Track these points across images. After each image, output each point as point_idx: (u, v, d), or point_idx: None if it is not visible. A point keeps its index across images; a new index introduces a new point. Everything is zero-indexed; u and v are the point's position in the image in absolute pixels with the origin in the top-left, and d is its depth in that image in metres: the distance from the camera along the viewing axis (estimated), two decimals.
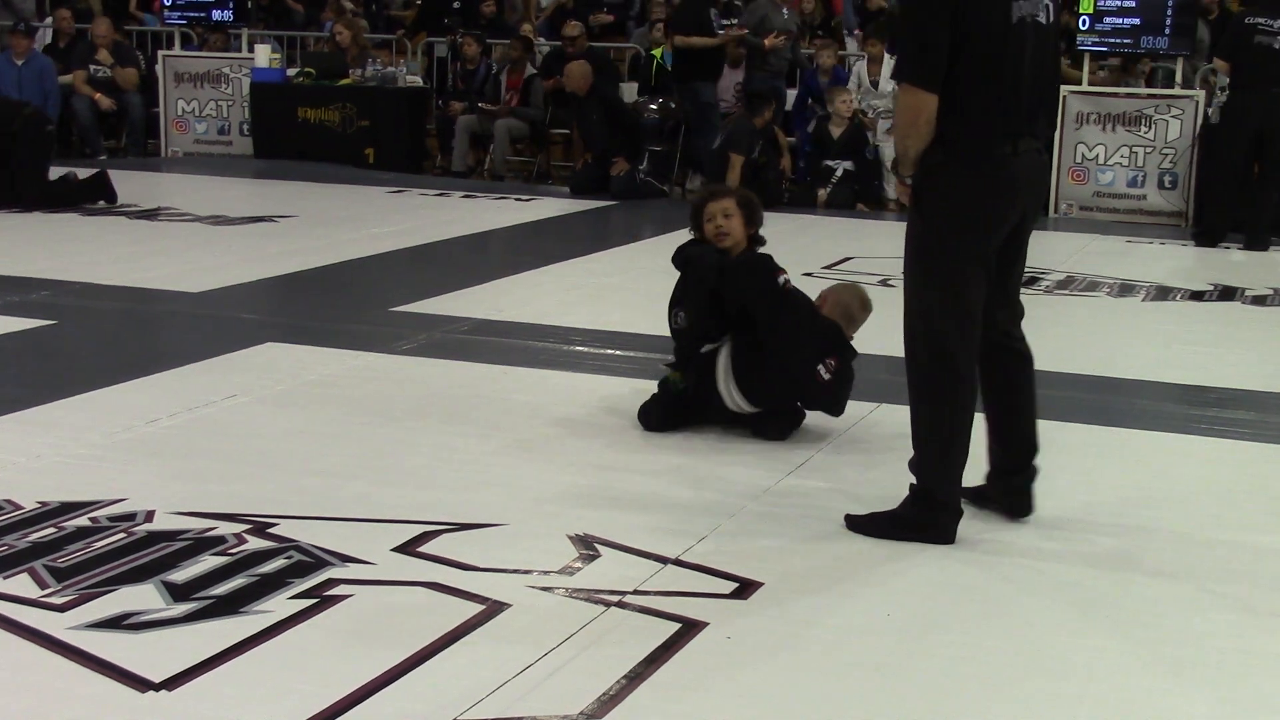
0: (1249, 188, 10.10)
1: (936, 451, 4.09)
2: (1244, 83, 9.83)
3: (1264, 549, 4.14)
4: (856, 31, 14.95)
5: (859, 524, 4.16)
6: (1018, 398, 4.28)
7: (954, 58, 3.92)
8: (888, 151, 11.82)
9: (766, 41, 12.67)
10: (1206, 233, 10.22)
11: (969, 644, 3.40)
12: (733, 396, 4.96)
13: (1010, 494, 4.30)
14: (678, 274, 5.17)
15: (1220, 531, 4.26)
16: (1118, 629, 3.54)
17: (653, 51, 13.71)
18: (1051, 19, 4.08)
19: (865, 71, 12.82)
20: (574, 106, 12.31)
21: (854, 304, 5.23)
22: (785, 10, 13.07)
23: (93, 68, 13.95)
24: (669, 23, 13.06)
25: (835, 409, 5.05)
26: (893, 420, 5.15)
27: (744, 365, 4.95)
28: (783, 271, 5.05)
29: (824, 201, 11.77)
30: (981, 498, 4.33)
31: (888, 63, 12.33)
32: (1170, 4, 11.33)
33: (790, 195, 11.87)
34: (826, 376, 4.93)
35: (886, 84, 12.15)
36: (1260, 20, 9.73)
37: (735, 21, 12.53)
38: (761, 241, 5.25)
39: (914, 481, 4.14)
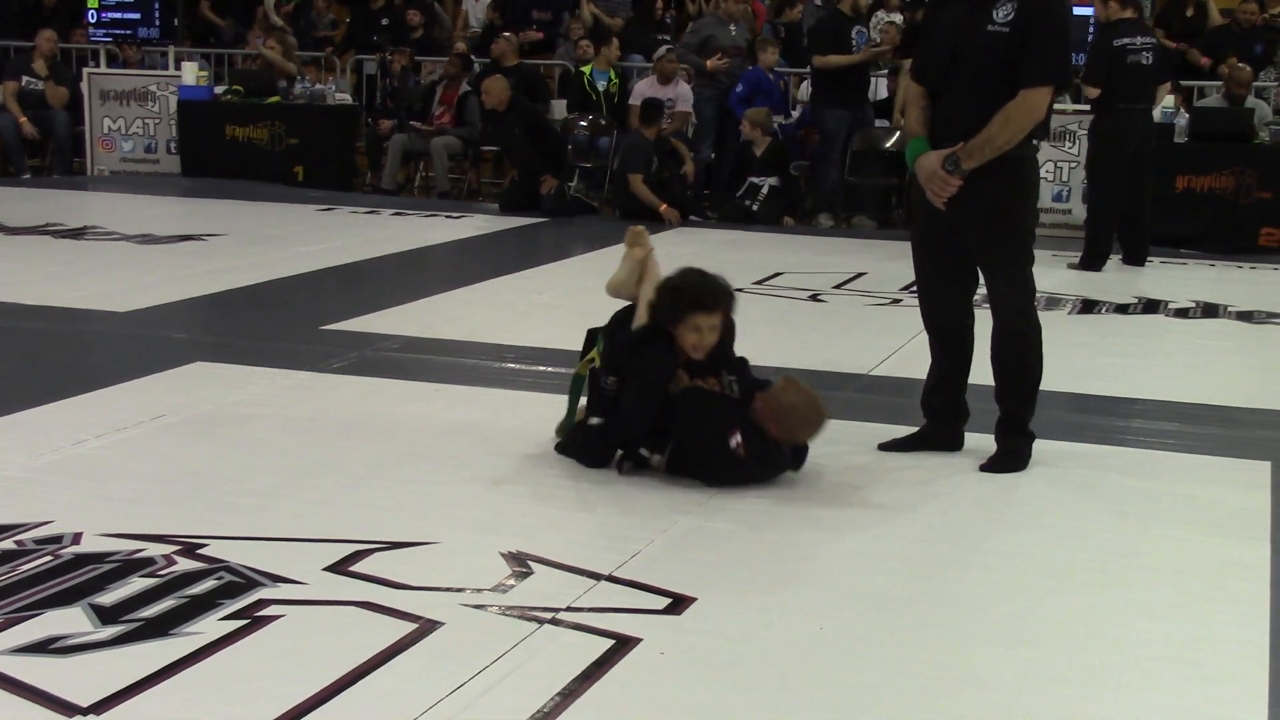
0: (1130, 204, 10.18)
1: (1033, 395, 4.94)
2: (1124, 100, 9.89)
3: (1189, 558, 4.20)
4: None
5: (993, 467, 4.90)
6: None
7: None
8: None
9: (709, 64, 12.67)
10: (1096, 257, 9.92)
11: (902, 657, 3.43)
12: (658, 465, 4.75)
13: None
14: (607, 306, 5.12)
15: (1146, 543, 4.33)
16: (1047, 639, 3.58)
17: (581, 69, 13.73)
18: None
19: None
20: (496, 122, 12.27)
21: (802, 434, 4.78)
22: (733, 27, 13.01)
23: (25, 79, 13.78)
24: (807, 43, 12.72)
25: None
26: (822, 436, 5.18)
27: (677, 464, 4.71)
28: (735, 432, 4.60)
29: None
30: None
31: None
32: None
33: (721, 213, 11.92)
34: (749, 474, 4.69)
35: None
36: (1126, 40, 9.86)
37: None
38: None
39: (1009, 422, 4.95)
